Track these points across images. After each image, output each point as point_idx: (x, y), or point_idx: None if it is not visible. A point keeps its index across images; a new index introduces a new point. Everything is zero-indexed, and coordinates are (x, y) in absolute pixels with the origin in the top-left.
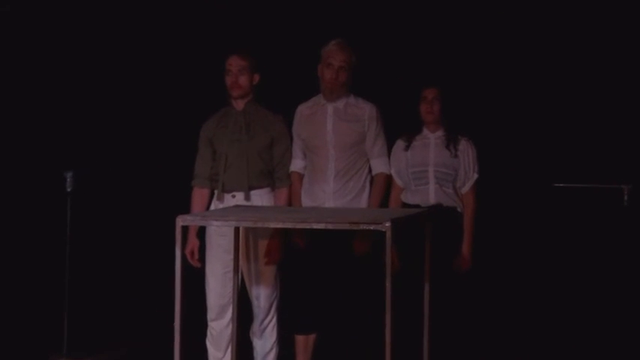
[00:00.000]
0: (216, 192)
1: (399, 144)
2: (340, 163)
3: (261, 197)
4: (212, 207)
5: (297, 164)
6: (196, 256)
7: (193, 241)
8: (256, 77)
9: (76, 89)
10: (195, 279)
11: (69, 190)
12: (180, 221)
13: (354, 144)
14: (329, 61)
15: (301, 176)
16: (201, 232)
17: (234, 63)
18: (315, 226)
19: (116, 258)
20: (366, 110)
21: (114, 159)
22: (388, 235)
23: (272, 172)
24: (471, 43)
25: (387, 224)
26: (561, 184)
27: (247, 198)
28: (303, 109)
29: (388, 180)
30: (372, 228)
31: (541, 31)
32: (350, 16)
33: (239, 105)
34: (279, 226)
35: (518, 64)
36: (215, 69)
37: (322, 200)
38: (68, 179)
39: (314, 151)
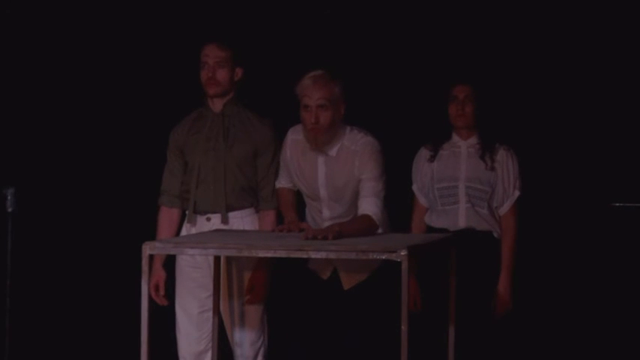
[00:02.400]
0: (187, 213)
1: (423, 153)
2: (340, 219)
3: (242, 220)
4: (183, 231)
5: (283, 183)
6: (162, 292)
7: (159, 273)
8: (239, 72)
9: (15, 93)
10: (166, 319)
11: (10, 210)
12: (148, 249)
13: (354, 196)
14: (304, 101)
15: (292, 192)
16: (169, 262)
17: (212, 54)
18: (314, 255)
19: (67, 291)
20: (358, 151)
21: (63, 173)
22: (404, 266)
23: (255, 190)
24: (512, 30)
25: (403, 253)
26: (620, 204)
27: (225, 221)
28: (295, 140)
29: (372, 227)
30: (384, 257)
31: (610, 19)
32: None
33: (216, 106)
34: (270, 255)
35: (567, 57)
36: (189, 61)
37: None
38: (9, 197)
39: (307, 195)
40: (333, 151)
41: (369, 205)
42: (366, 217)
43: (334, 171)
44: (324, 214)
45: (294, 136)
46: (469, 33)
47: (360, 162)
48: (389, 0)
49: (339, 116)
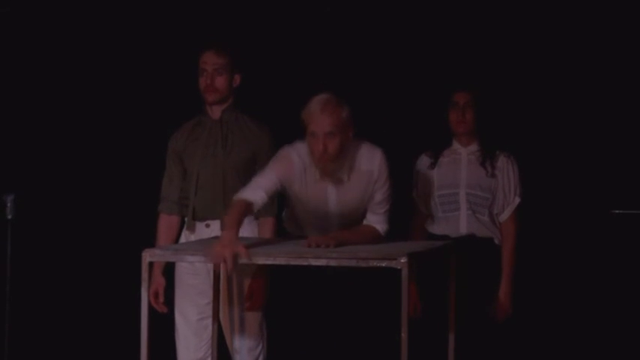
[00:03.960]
0: (186, 220)
1: (424, 160)
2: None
3: (241, 227)
4: (182, 238)
5: (255, 195)
6: (161, 299)
7: (158, 280)
8: (237, 78)
9: (15, 100)
10: (165, 326)
11: (9, 217)
12: (148, 256)
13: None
14: (311, 129)
15: (249, 208)
16: (168, 269)
17: (210, 61)
18: (314, 262)
19: (66, 298)
20: (374, 172)
21: (63, 179)
22: (404, 273)
23: None
24: (513, 36)
25: (403, 260)
26: (620, 211)
27: (224, 227)
28: (296, 163)
29: (376, 239)
30: (384, 265)
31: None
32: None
33: (215, 112)
34: (270, 262)
35: (568, 64)
36: (187, 67)
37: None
38: (9, 204)
39: (309, 213)
40: (345, 176)
41: (378, 221)
42: (372, 228)
43: (347, 195)
44: (331, 226)
45: (296, 152)
46: (469, 39)
47: (377, 184)
48: (389, 7)
49: (348, 141)
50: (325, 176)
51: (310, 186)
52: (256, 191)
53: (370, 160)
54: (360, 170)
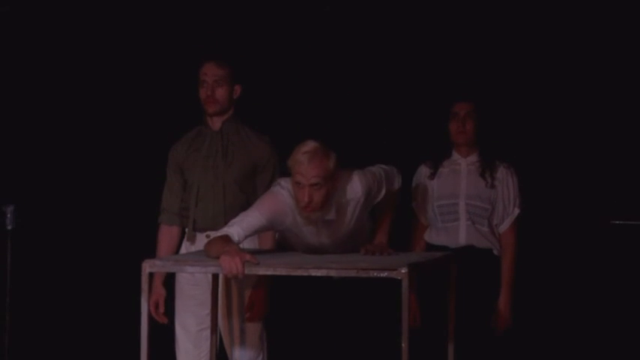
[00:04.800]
0: (186, 230)
1: (423, 171)
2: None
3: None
4: (182, 249)
5: (232, 230)
6: (162, 310)
7: (159, 291)
8: (237, 89)
9: (15, 110)
10: (166, 336)
11: (9, 227)
12: (148, 267)
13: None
14: (297, 179)
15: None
16: (169, 280)
17: (210, 72)
18: (315, 273)
19: (67, 309)
20: (360, 197)
21: (63, 189)
22: (405, 283)
23: None
24: (513, 47)
25: (404, 270)
26: (620, 222)
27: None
28: (287, 202)
29: (397, 195)
30: (384, 275)
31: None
32: (360, 10)
33: (215, 124)
34: (270, 272)
35: (568, 74)
36: (188, 78)
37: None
38: (9, 215)
39: (302, 245)
40: (332, 215)
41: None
42: (388, 198)
43: (339, 229)
44: (328, 253)
45: (292, 197)
46: (470, 50)
47: (370, 197)
48: (389, 18)
49: (334, 189)
50: (311, 224)
51: (302, 225)
52: (234, 227)
53: (352, 189)
54: (344, 203)
